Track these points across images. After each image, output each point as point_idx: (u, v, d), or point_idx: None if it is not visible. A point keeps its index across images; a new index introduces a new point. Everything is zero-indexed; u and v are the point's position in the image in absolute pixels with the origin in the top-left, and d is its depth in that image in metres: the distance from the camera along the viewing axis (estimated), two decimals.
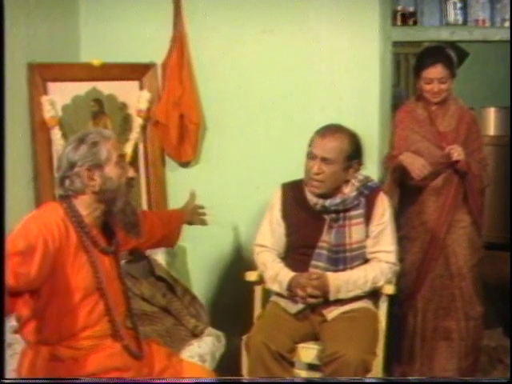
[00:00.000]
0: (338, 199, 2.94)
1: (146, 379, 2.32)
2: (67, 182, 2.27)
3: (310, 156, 2.94)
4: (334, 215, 2.95)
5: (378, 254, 2.97)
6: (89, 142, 2.27)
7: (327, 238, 2.95)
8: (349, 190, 2.96)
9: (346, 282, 2.90)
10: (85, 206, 2.29)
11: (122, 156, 2.34)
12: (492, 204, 3.62)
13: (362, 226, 2.97)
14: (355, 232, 2.96)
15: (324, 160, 2.89)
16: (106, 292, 2.29)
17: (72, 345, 2.23)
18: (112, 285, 2.34)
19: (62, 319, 2.22)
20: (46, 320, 2.22)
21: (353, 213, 2.96)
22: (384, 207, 3.01)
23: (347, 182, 2.97)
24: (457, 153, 3.30)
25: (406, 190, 3.45)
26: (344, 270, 2.95)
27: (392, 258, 2.99)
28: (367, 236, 2.98)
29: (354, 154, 2.94)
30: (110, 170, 2.28)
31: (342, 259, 2.96)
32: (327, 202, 2.94)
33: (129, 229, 2.36)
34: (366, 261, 3.00)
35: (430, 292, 3.46)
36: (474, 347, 3.52)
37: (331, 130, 2.94)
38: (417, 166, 3.28)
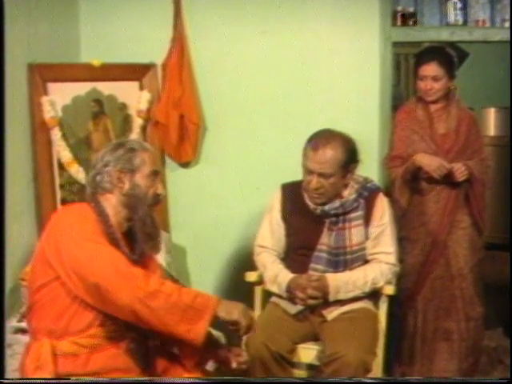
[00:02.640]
0: (337, 203, 2.92)
1: (146, 379, 2.32)
2: (98, 178, 2.33)
3: (307, 171, 2.88)
4: (333, 218, 2.94)
5: (377, 255, 2.97)
6: (127, 147, 2.34)
7: (327, 240, 2.94)
8: (348, 193, 2.94)
9: (345, 282, 2.90)
10: (111, 206, 2.32)
11: (156, 172, 2.37)
12: (492, 204, 3.61)
13: (362, 228, 2.95)
14: (355, 234, 2.95)
15: (321, 175, 2.85)
16: None
17: (77, 341, 2.23)
18: None
19: (71, 314, 2.23)
20: (56, 311, 2.23)
21: (352, 215, 2.95)
22: (383, 208, 2.99)
23: (346, 185, 2.96)
24: (460, 174, 3.30)
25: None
26: (344, 271, 2.95)
27: (392, 259, 2.98)
28: (367, 238, 2.97)
29: (350, 159, 2.88)
30: (140, 178, 2.33)
31: (342, 262, 2.95)
32: (326, 207, 2.92)
33: (146, 240, 2.37)
34: (367, 262, 2.99)
35: (430, 293, 3.46)
36: (474, 348, 3.52)
37: (323, 141, 2.85)
38: (435, 166, 3.27)
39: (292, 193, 3.05)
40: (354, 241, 2.94)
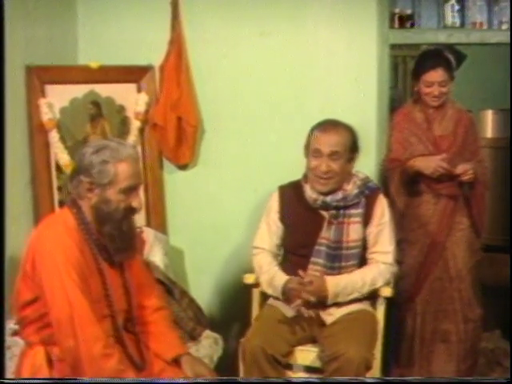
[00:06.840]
0: (339, 195, 2.94)
1: (146, 379, 2.32)
2: (74, 183, 2.27)
3: (315, 154, 2.92)
4: (333, 212, 2.95)
5: (375, 254, 2.97)
6: (100, 157, 2.21)
7: (327, 234, 2.95)
8: (350, 188, 2.96)
9: (344, 287, 2.89)
10: (88, 212, 2.28)
11: (132, 187, 2.24)
12: (490, 206, 3.62)
13: (360, 226, 2.96)
14: (352, 230, 2.96)
15: (331, 155, 2.88)
16: (111, 299, 2.28)
17: None
18: (117, 291, 2.34)
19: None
20: (50, 322, 2.22)
21: (352, 211, 2.96)
22: (383, 208, 3.01)
23: (348, 178, 2.96)
24: (468, 176, 3.31)
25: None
26: (340, 267, 2.94)
27: (389, 258, 2.98)
28: (365, 236, 2.98)
29: (355, 145, 2.97)
30: (112, 194, 2.22)
31: (338, 256, 2.95)
32: (328, 198, 2.94)
33: (116, 253, 2.31)
34: (362, 260, 2.99)
35: (428, 294, 3.47)
36: (472, 350, 3.53)
37: (331, 125, 2.95)
38: (433, 168, 3.30)
39: (291, 192, 3.06)
40: (351, 237, 2.95)
